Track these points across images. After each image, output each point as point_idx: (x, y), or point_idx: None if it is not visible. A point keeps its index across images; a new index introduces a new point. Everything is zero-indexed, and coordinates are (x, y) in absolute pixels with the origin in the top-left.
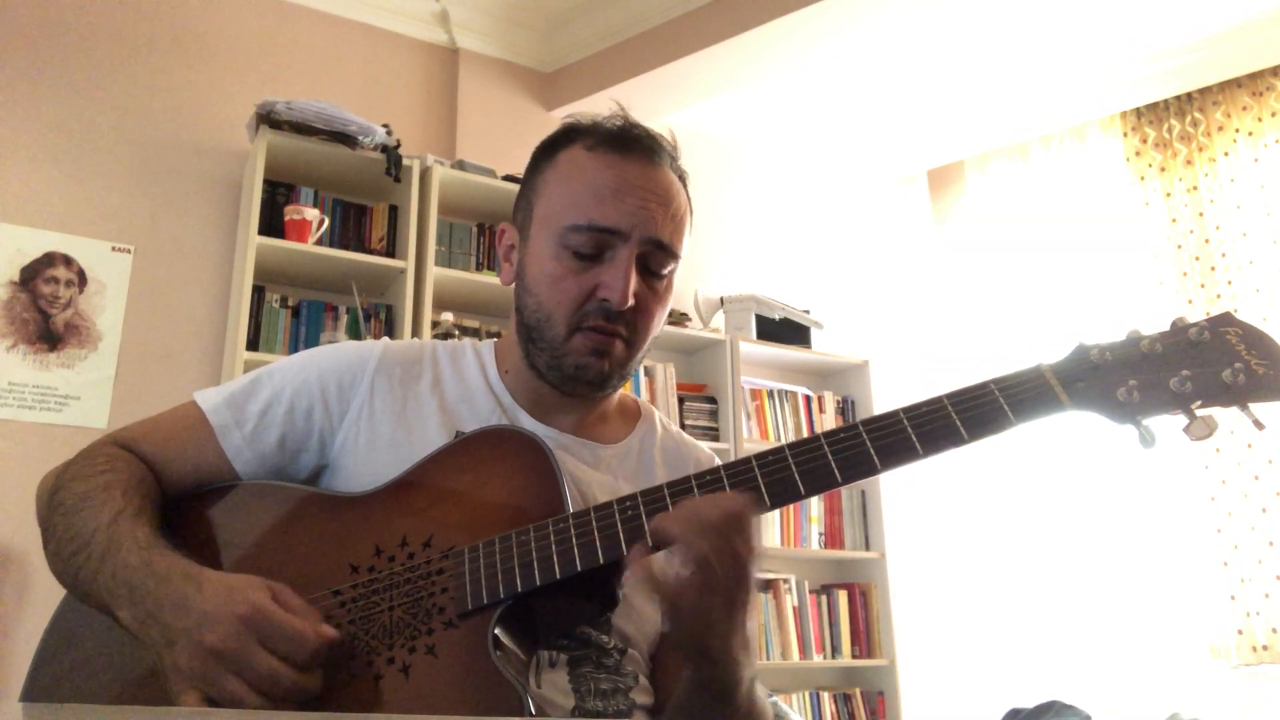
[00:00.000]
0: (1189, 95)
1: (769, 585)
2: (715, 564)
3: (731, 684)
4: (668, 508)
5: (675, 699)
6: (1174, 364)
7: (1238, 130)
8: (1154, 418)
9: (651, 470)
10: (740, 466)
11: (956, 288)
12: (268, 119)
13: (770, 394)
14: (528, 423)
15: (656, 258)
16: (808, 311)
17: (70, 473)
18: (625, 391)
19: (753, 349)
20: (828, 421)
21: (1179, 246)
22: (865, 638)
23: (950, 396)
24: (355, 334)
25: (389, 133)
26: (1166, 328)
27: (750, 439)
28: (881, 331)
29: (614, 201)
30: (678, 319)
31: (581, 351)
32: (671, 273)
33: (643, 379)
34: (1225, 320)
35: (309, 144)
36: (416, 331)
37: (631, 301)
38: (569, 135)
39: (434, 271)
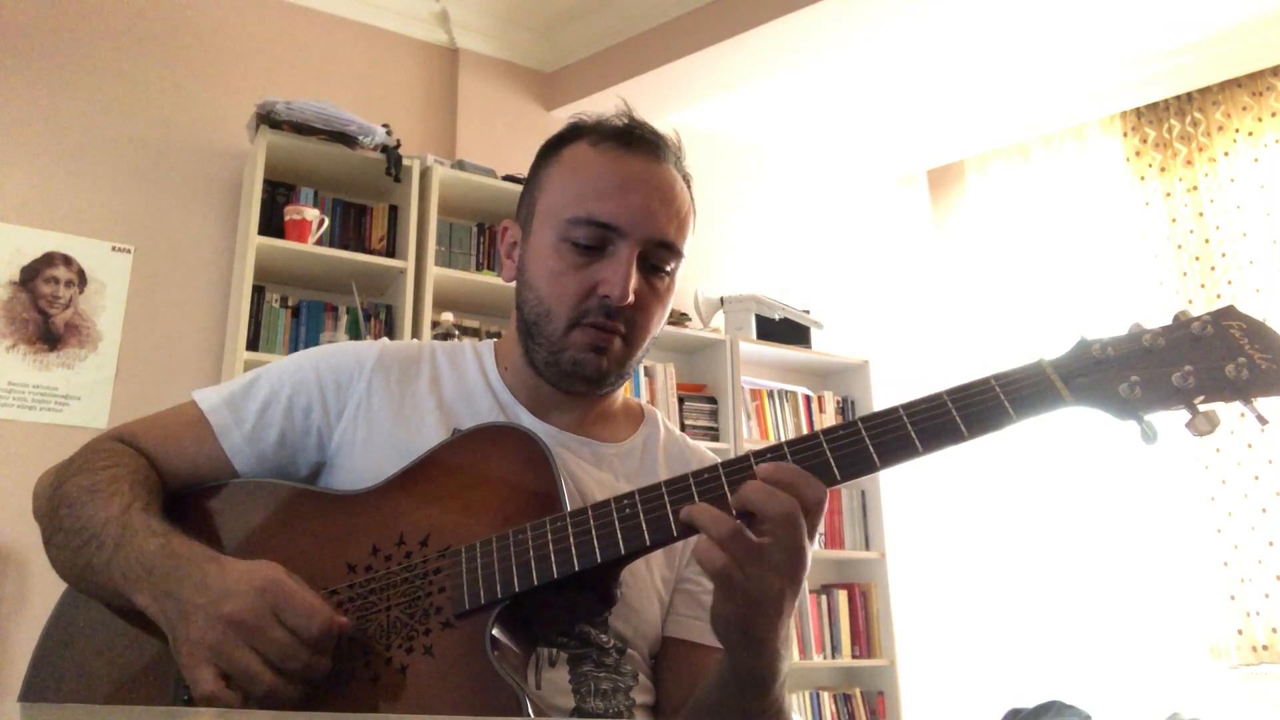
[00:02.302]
0: (1189, 95)
1: None
2: (770, 541)
3: (769, 676)
4: (665, 506)
5: (705, 688)
6: (1176, 359)
7: (1238, 130)
8: (1156, 413)
9: (654, 470)
10: (739, 464)
11: (956, 288)
12: (268, 119)
13: (770, 394)
14: (527, 420)
15: (658, 254)
16: (808, 311)
17: (73, 468)
18: (628, 395)
19: (753, 349)
20: (828, 422)
21: (1179, 246)
22: (865, 638)
23: (950, 393)
24: (355, 334)
25: (389, 133)
26: (1169, 322)
27: (750, 439)
28: (881, 331)
29: (616, 197)
30: (678, 319)
31: (580, 347)
32: (674, 271)
33: (643, 379)
34: (1228, 314)
35: (309, 144)
36: (416, 331)
37: (631, 298)
38: (574, 132)
39: (434, 271)
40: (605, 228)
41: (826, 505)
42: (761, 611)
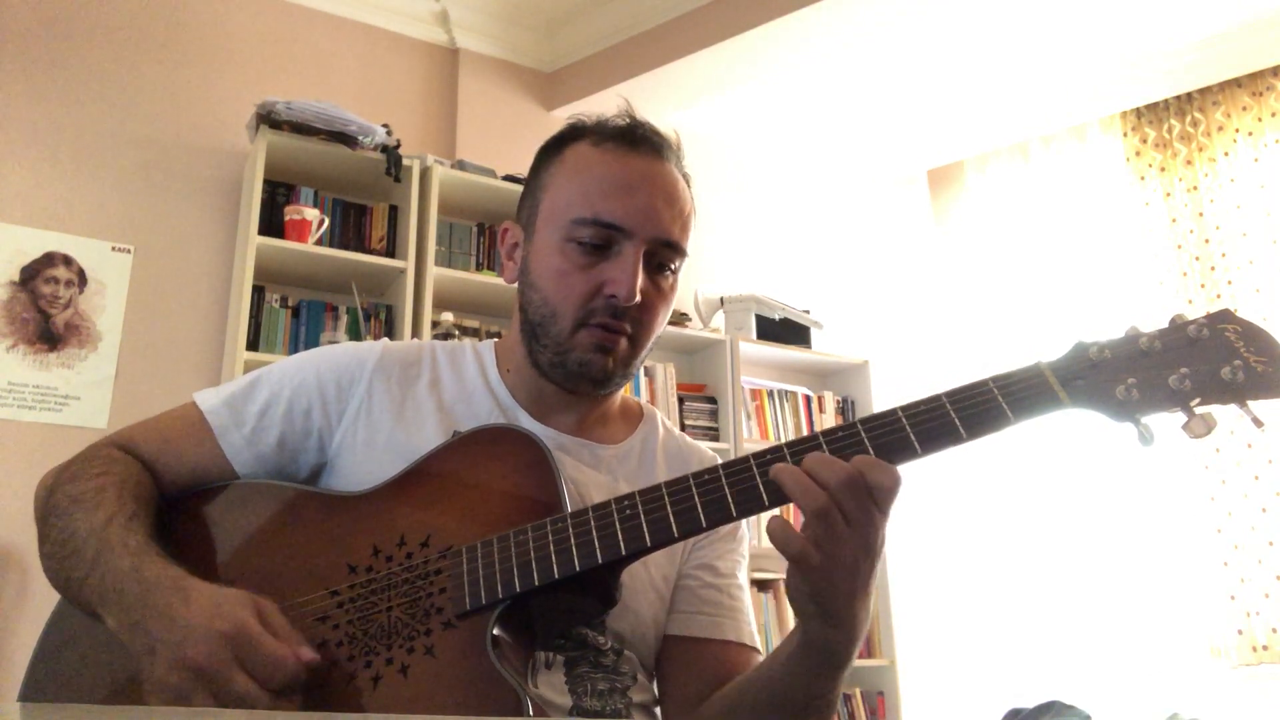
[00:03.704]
0: (1189, 95)
1: (768, 585)
2: (839, 517)
3: (843, 654)
4: (666, 507)
5: (759, 675)
6: (1173, 361)
7: (1238, 130)
8: (1153, 415)
9: (653, 471)
10: (738, 465)
11: (956, 287)
12: (268, 119)
13: (770, 394)
14: (527, 423)
15: (663, 254)
16: (808, 311)
17: (67, 474)
18: (627, 394)
19: (753, 349)
20: (828, 422)
21: (1179, 246)
22: (865, 638)
23: (949, 395)
24: (355, 334)
25: (389, 133)
26: (1165, 325)
27: (750, 439)
28: (881, 331)
29: (621, 197)
30: (678, 319)
31: (586, 348)
32: (678, 269)
33: (643, 379)
34: (1224, 317)
35: (309, 144)
36: (416, 331)
37: (639, 298)
38: (575, 132)
39: (434, 271)
40: (611, 228)
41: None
42: (834, 583)
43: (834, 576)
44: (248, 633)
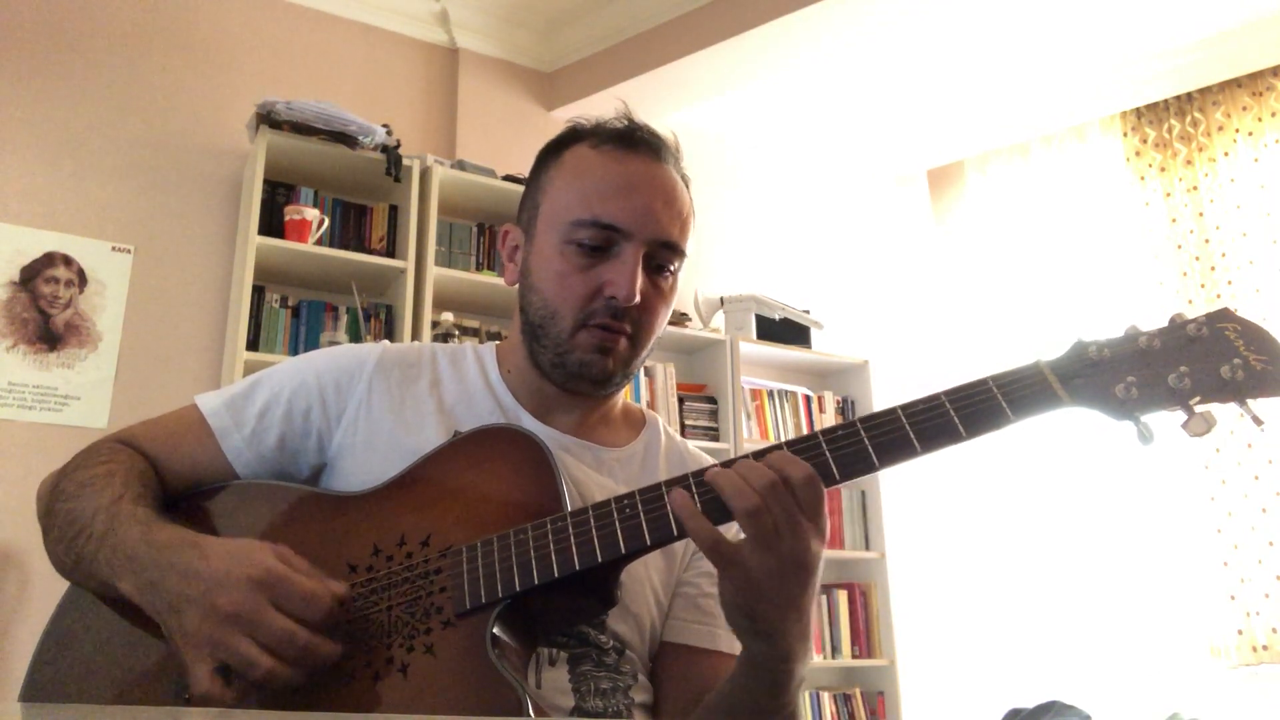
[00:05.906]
0: (1189, 95)
1: None
2: (771, 524)
3: (782, 674)
4: (665, 506)
5: (722, 684)
6: (1172, 360)
7: (1238, 130)
8: (1152, 414)
9: (655, 477)
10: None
11: (956, 287)
12: (268, 119)
13: (770, 394)
14: (529, 423)
15: (662, 254)
16: (808, 311)
17: (72, 465)
18: (630, 401)
19: (753, 349)
20: (828, 421)
21: (1179, 246)
22: (865, 638)
23: (949, 394)
24: (355, 334)
25: (389, 133)
26: (1165, 324)
27: (750, 439)
28: (881, 331)
29: (620, 198)
30: (678, 319)
31: (586, 349)
32: (677, 270)
33: (643, 379)
34: (1223, 316)
35: (309, 144)
36: (416, 332)
37: (638, 299)
38: (574, 135)
39: (434, 271)
40: (610, 229)
41: (825, 493)
42: (763, 594)
43: (763, 586)
44: (276, 573)
